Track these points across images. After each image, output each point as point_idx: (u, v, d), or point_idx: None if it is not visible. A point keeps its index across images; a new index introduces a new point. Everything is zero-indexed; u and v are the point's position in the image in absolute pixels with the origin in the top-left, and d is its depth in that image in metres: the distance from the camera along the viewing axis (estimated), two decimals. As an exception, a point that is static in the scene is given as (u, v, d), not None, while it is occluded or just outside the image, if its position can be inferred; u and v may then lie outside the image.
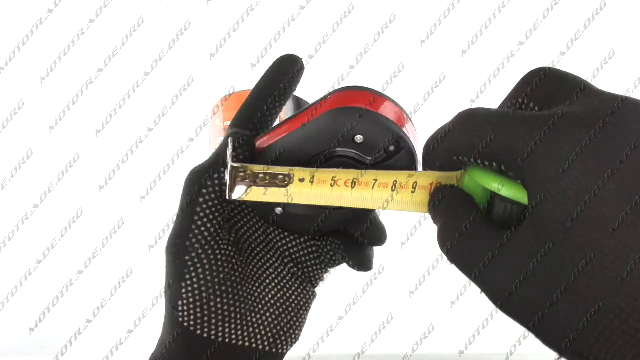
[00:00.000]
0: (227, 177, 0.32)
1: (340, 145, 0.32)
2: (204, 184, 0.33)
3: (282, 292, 0.36)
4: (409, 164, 0.33)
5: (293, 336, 0.36)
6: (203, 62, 0.76)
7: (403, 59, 0.76)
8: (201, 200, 0.33)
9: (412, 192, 0.30)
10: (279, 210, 0.35)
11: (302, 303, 0.36)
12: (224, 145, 0.33)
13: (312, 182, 0.31)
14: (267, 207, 0.35)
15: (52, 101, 0.76)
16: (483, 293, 0.28)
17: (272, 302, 0.35)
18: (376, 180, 0.30)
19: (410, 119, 0.34)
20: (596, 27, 0.76)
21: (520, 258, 0.25)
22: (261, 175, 0.32)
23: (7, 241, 0.74)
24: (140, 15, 0.75)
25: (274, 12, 0.75)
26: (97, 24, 0.75)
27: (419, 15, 0.77)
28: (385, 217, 0.68)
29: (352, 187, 0.31)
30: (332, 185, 0.31)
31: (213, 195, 0.33)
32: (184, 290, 0.33)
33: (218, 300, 0.33)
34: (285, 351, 0.36)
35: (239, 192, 0.32)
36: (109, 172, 0.75)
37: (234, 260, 0.34)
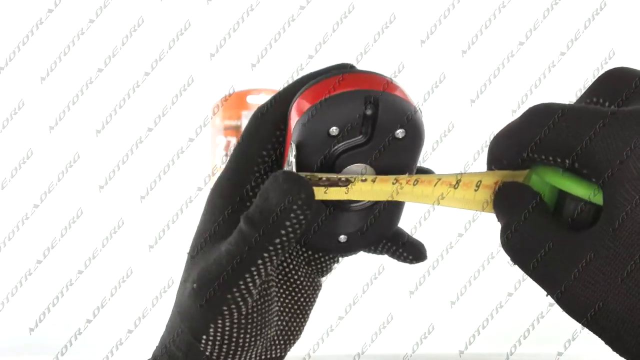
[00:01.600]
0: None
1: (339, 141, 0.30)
2: (266, 249, 0.28)
3: (291, 296, 0.35)
4: (417, 144, 0.31)
5: (297, 336, 0.35)
6: (203, 62, 0.76)
7: (403, 59, 0.76)
8: (259, 262, 0.29)
9: (475, 190, 0.29)
10: (342, 238, 0.32)
11: (308, 300, 0.35)
12: (280, 199, 0.28)
13: (374, 182, 0.29)
14: (330, 235, 0.32)
15: (52, 101, 0.76)
16: (548, 295, 0.26)
17: (282, 308, 0.35)
18: (439, 179, 0.29)
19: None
20: (596, 27, 0.76)
21: (599, 264, 0.24)
22: (323, 179, 0.29)
23: (7, 241, 0.74)
24: (140, 15, 0.75)
25: (274, 12, 0.75)
26: (97, 24, 0.75)
27: (419, 15, 0.77)
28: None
29: (414, 185, 0.29)
30: (393, 183, 0.29)
31: (274, 256, 0.29)
32: (211, 330, 0.31)
33: (248, 336, 0.31)
34: (289, 349, 0.35)
35: None
36: (109, 172, 0.75)
37: (267, 292, 0.32)
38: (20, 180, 0.75)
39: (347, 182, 0.29)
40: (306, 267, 0.35)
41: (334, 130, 0.29)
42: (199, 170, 0.76)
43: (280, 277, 0.35)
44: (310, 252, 0.35)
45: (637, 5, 0.79)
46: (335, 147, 0.30)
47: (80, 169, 0.75)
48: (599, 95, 0.27)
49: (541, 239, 0.26)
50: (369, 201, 0.32)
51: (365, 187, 0.29)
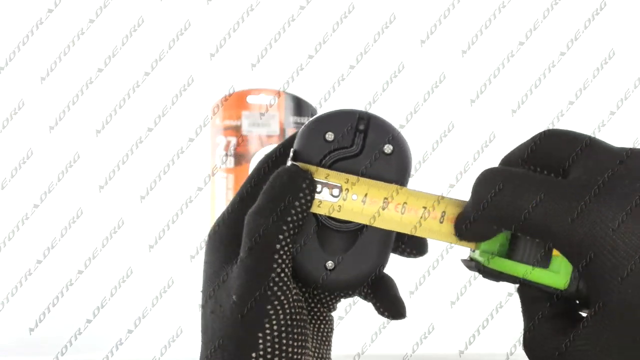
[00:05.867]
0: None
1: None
2: (280, 229, 0.31)
3: (315, 321, 0.35)
4: (403, 167, 0.34)
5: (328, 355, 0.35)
6: (203, 62, 0.76)
7: (403, 59, 0.76)
8: (278, 246, 0.31)
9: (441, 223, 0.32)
10: (330, 264, 0.33)
11: (329, 329, 0.36)
12: (287, 185, 0.31)
13: (364, 202, 0.32)
14: (317, 258, 0.33)
15: (52, 101, 0.76)
16: None
17: (314, 334, 0.35)
18: (425, 207, 0.32)
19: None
20: (596, 27, 0.76)
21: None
22: (319, 185, 0.32)
23: (7, 241, 0.74)
24: (140, 15, 0.75)
25: (274, 12, 0.75)
26: (97, 24, 0.75)
27: (419, 15, 0.77)
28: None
29: (402, 214, 0.32)
30: (383, 209, 0.32)
31: (288, 240, 0.31)
32: (260, 341, 0.30)
33: (294, 344, 0.31)
34: None
35: None
36: (109, 172, 0.75)
37: (301, 298, 0.32)
38: (20, 180, 0.75)
39: (338, 194, 0.32)
40: (320, 307, 0.36)
41: (329, 135, 0.33)
42: (199, 170, 0.76)
43: (312, 314, 0.36)
44: (323, 294, 0.36)
45: (637, 5, 0.79)
46: (330, 155, 0.33)
47: (80, 169, 0.75)
48: (536, 158, 0.30)
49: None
50: (356, 224, 0.33)
51: (356, 208, 0.32)
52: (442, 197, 0.32)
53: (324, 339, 0.35)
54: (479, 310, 0.72)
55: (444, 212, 0.31)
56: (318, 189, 0.32)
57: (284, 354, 0.31)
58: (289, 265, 0.31)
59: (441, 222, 0.31)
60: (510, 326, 0.68)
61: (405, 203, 0.32)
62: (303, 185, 0.31)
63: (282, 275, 0.31)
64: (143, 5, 0.76)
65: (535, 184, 0.27)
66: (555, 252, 0.29)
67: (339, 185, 0.32)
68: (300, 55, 0.75)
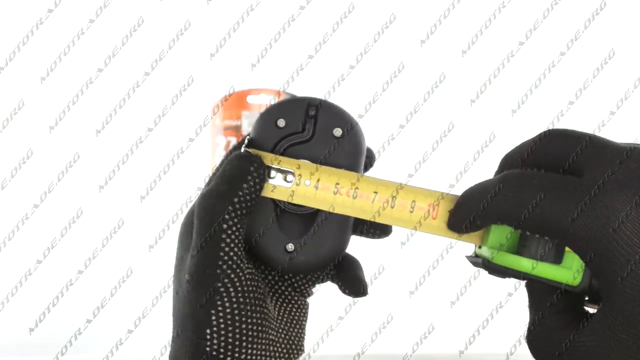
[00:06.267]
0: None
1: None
2: (226, 208, 0.32)
3: (284, 305, 0.36)
4: (355, 150, 0.34)
5: (300, 348, 0.36)
6: (203, 62, 0.76)
7: (403, 59, 0.76)
8: (225, 226, 0.32)
9: (410, 212, 0.32)
10: (290, 246, 0.34)
11: (301, 314, 0.36)
12: (236, 168, 0.33)
13: (316, 188, 0.33)
14: (277, 240, 0.34)
15: (52, 101, 0.76)
16: None
17: (281, 316, 0.35)
18: (376, 193, 0.32)
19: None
20: (596, 27, 0.76)
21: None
22: (272, 171, 0.33)
23: (7, 241, 0.74)
24: (140, 15, 0.75)
25: (274, 12, 0.75)
26: (97, 24, 0.75)
27: (419, 15, 0.77)
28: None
29: (354, 198, 0.32)
30: (334, 193, 0.32)
31: (236, 220, 0.32)
32: (213, 317, 0.32)
33: (249, 320, 0.32)
34: None
35: None
36: (109, 172, 0.75)
37: (256, 277, 0.33)
38: (20, 180, 0.75)
39: (291, 179, 0.33)
40: (291, 291, 0.37)
41: (281, 122, 0.34)
42: (199, 170, 0.76)
43: (278, 295, 0.36)
44: (294, 279, 0.36)
45: (637, 5, 0.79)
46: (283, 141, 0.34)
47: (80, 169, 0.75)
48: (536, 158, 0.30)
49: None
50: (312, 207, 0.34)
51: (309, 193, 0.33)
52: (402, 186, 0.32)
53: (294, 323, 0.36)
54: (479, 310, 0.72)
55: (414, 201, 0.32)
56: (272, 175, 0.33)
57: (237, 330, 0.32)
58: (239, 246, 0.32)
59: (411, 212, 0.32)
60: (510, 326, 0.68)
61: (356, 188, 0.32)
62: (251, 168, 0.32)
63: (232, 254, 0.32)
64: (143, 5, 0.76)
65: (538, 182, 0.28)
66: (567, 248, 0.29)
67: (292, 170, 0.33)
68: (300, 55, 0.75)
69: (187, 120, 0.76)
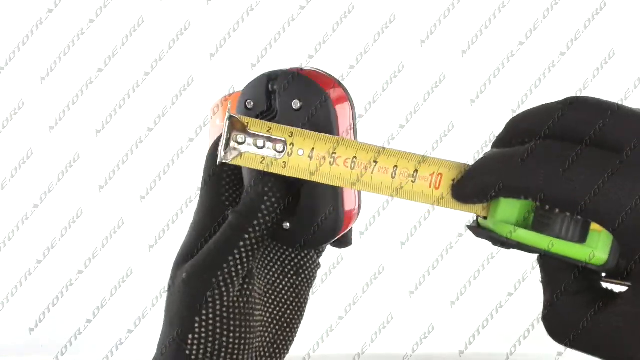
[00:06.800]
0: (224, 131, 0.30)
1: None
2: (247, 227, 0.32)
3: (278, 308, 0.36)
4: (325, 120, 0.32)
5: (286, 350, 0.36)
6: (203, 62, 0.76)
7: (403, 59, 0.76)
8: (241, 244, 0.32)
9: (413, 182, 0.29)
10: (286, 225, 0.34)
11: (297, 314, 0.36)
12: (264, 189, 0.32)
13: (310, 158, 0.30)
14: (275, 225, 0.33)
15: (52, 101, 0.76)
16: None
17: (270, 320, 0.35)
18: (376, 162, 0.29)
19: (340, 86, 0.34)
20: (596, 27, 0.76)
21: None
22: (259, 140, 0.30)
23: (7, 241, 0.74)
24: (140, 15, 0.75)
25: (274, 12, 0.75)
26: (97, 24, 0.75)
27: (419, 15, 0.77)
28: (384, 217, 0.68)
29: (352, 169, 0.29)
30: (331, 164, 0.30)
31: (254, 241, 0.32)
32: (196, 325, 0.32)
33: (231, 334, 0.32)
34: None
35: (231, 155, 0.30)
36: (109, 172, 0.75)
37: (248, 292, 0.33)
38: (20, 180, 0.75)
39: (283, 149, 0.30)
40: (296, 278, 0.36)
41: (249, 103, 0.34)
42: (199, 170, 0.75)
43: (266, 288, 0.35)
44: (299, 268, 0.36)
45: (637, 5, 0.79)
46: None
47: (80, 169, 0.75)
48: (564, 127, 0.27)
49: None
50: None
51: (302, 164, 0.30)
52: (394, 152, 0.29)
53: (294, 315, 0.36)
54: (479, 310, 0.72)
55: (416, 170, 0.29)
56: (259, 144, 0.30)
57: (217, 342, 0.32)
58: (245, 265, 0.32)
59: (413, 182, 0.29)
60: (510, 326, 0.68)
61: (354, 157, 0.29)
62: (268, 191, 0.32)
63: (233, 270, 0.32)
64: (143, 5, 0.76)
65: (584, 160, 0.25)
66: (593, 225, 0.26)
67: (283, 139, 0.30)
68: (300, 55, 0.75)
69: (187, 120, 0.76)
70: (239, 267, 0.32)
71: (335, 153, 0.29)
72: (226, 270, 0.32)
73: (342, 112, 0.33)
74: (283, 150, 0.30)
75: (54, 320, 0.74)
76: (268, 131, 0.30)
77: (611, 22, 0.77)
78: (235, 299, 0.32)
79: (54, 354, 0.73)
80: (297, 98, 0.32)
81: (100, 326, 0.74)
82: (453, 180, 0.29)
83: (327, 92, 0.32)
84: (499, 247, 0.29)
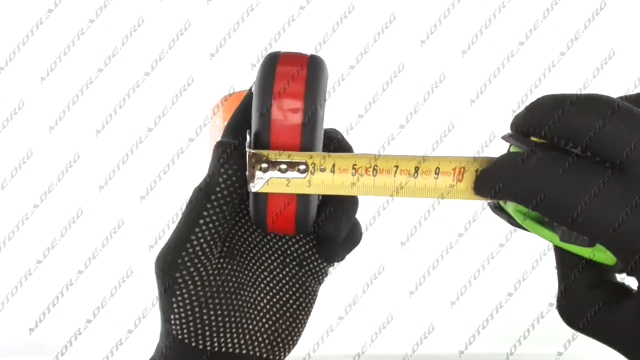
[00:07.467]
0: (247, 165, 0.30)
1: None
2: (204, 203, 0.32)
3: (278, 296, 0.36)
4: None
5: (291, 342, 0.36)
6: (203, 62, 0.76)
7: (403, 59, 0.76)
8: (201, 221, 0.32)
9: (435, 179, 0.30)
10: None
11: (302, 306, 0.36)
12: (218, 161, 0.32)
13: (333, 172, 0.31)
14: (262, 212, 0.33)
15: (52, 101, 0.76)
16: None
17: (268, 307, 0.35)
18: (397, 166, 0.30)
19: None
20: (596, 27, 0.76)
21: None
22: (282, 165, 0.31)
23: (7, 241, 0.74)
24: (140, 15, 0.75)
25: (274, 12, 0.75)
26: (97, 24, 0.75)
27: (419, 15, 0.77)
28: (385, 217, 0.68)
29: (374, 176, 0.30)
30: (353, 175, 0.31)
31: (214, 217, 0.32)
32: (174, 305, 0.32)
33: (211, 312, 0.33)
34: (283, 357, 0.36)
35: (259, 184, 0.31)
36: (109, 172, 0.75)
37: (226, 271, 0.34)
38: (20, 180, 0.75)
39: (305, 170, 0.31)
40: (299, 269, 0.36)
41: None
42: (199, 170, 0.75)
43: (263, 275, 0.36)
44: (302, 260, 0.36)
45: (637, 5, 0.79)
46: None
47: (80, 169, 0.75)
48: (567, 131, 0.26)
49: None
50: None
51: (326, 180, 0.31)
52: (425, 157, 0.30)
53: (299, 307, 0.36)
54: (479, 310, 0.72)
55: (437, 168, 0.30)
56: (282, 168, 0.31)
57: (199, 320, 0.32)
58: (211, 242, 0.32)
59: (436, 179, 0.30)
60: (510, 326, 0.68)
61: (375, 166, 0.30)
62: (226, 165, 0.32)
63: (198, 248, 0.32)
64: (143, 5, 0.76)
65: (580, 177, 0.25)
66: None
67: (304, 161, 0.31)
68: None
69: (187, 120, 0.76)
70: (204, 245, 0.32)
71: (355, 164, 0.31)
72: (190, 250, 0.32)
73: (285, 73, 0.32)
74: (306, 170, 0.31)
75: (54, 320, 0.74)
76: (288, 157, 0.31)
77: (611, 22, 0.77)
78: (211, 277, 0.33)
79: (54, 354, 0.73)
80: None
81: (100, 326, 0.74)
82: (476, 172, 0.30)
83: (277, 55, 0.32)
84: (520, 229, 0.30)
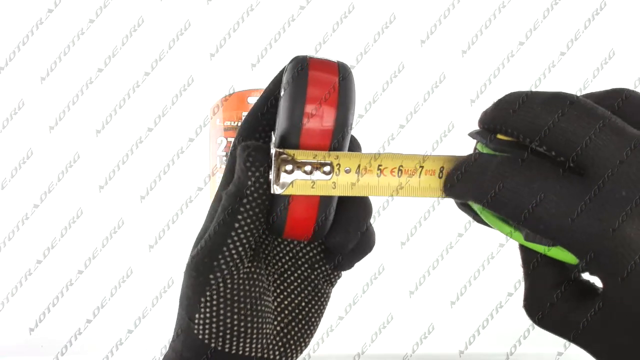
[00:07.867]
0: (272, 166, 0.30)
1: None
2: (237, 207, 0.31)
3: (290, 299, 0.36)
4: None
5: (303, 344, 0.36)
6: (203, 62, 0.76)
7: (403, 59, 0.76)
8: (236, 225, 0.32)
9: (440, 177, 0.30)
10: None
11: (314, 309, 0.36)
12: (245, 165, 0.32)
13: (358, 173, 0.30)
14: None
15: (52, 101, 0.76)
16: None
17: (280, 309, 0.35)
18: (422, 167, 0.30)
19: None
20: (596, 27, 0.76)
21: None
22: (307, 167, 0.30)
23: (7, 241, 0.74)
24: (140, 15, 0.75)
25: (274, 12, 0.76)
26: (97, 24, 0.75)
27: (419, 15, 0.77)
28: (385, 217, 0.68)
29: (399, 176, 0.30)
30: (378, 176, 0.30)
31: (249, 220, 0.32)
32: (202, 306, 0.32)
33: (236, 316, 0.33)
34: (294, 359, 0.36)
35: (284, 186, 0.30)
36: (109, 172, 0.75)
37: (255, 275, 0.33)
38: (20, 180, 0.75)
39: (330, 171, 0.30)
40: (310, 272, 0.36)
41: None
42: (199, 170, 0.76)
43: (275, 277, 0.36)
44: (314, 263, 0.36)
45: (637, 5, 0.79)
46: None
47: (80, 169, 0.75)
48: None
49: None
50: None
51: (352, 181, 0.30)
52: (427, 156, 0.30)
53: (311, 309, 0.36)
54: (479, 310, 0.72)
55: (442, 167, 0.30)
56: (307, 169, 0.30)
57: (222, 323, 0.32)
58: (245, 245, 0.32)
59: (440, 177, 0.30)
60: (510, 326, 0.68)
61: (401, 166, 0.30)
62: (252, 167, 0.31)
63: (234, 252, 0.32)
64: (143, 5, 0.76)
65: (539, 184, 0.25)
66: None
67: (329, 162, 0.30)
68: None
69: (187, 121, 0.76)
70: (240, 248, 0.32)
71: (381, 165, 0.30)
72: (227, 254, 0.32)
73: (318, 79, 0.31)
74: (330, 172, 0.30)
75: (54, 320, 0.74)
76: (314, 157, 0.30)
77: (611, 22, 0.77)
78: (241, 281, 0.33)
79: (54, 354, 0.73)
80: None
81: (100, 326, 0.74)
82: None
83: (307, 60, 0.31)
84: (486, 226, 0.30)
